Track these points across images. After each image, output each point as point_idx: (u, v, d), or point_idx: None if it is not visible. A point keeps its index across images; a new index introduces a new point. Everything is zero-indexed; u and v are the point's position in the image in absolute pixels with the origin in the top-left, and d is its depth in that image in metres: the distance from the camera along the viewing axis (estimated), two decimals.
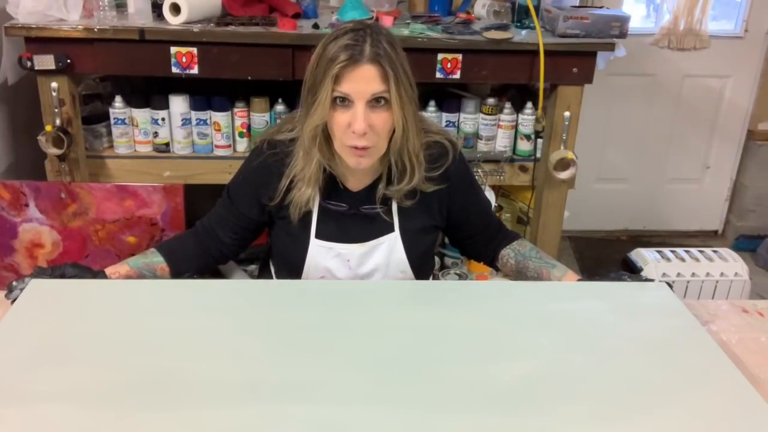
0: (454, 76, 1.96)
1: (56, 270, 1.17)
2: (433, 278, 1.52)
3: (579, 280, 1.28)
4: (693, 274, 2.07)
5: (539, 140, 2.13)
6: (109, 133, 2.05)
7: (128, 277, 1.22)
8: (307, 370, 0.95)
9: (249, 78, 1.92)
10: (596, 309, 1.14)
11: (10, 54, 1.86)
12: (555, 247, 2.23)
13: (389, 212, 1.30)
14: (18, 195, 1.72)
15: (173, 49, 1.85)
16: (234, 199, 1.32)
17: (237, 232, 1.33)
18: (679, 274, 2.06)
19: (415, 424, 0.86)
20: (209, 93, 2.02)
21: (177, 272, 1.28)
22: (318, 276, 1.31)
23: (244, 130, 2.06)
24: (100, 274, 1.19)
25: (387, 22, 1.97)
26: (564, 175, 2.06)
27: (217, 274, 1.74)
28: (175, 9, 1.84)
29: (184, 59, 1.86)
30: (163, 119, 2.02)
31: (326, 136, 1.20)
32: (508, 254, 1.37)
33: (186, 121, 2.03)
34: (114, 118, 2.01)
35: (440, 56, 1.93)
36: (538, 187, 2.18)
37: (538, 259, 1.34)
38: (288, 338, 1.03)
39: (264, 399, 0.89)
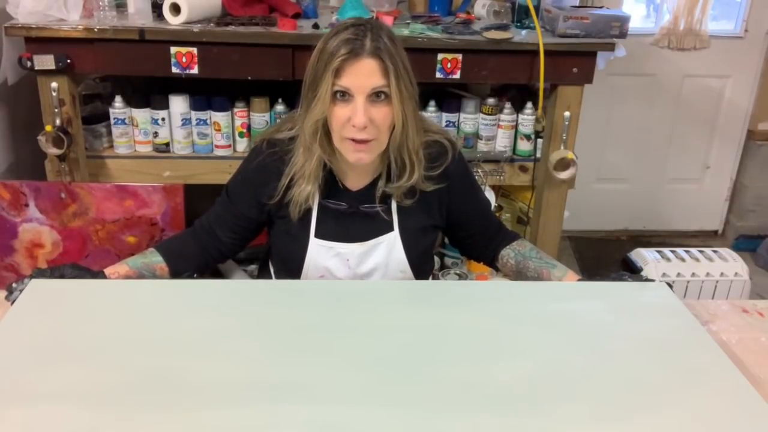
0: (454, 76, 1.96)
1: (55, 271, 1.17)
2: (433, 278, 1.52)
3: (579, 280, 1.28)
4: (693, 274, 2.07)
5: (539, 140, 2.13)
6: (109, 133, 2.05)
7: (128, 277, 1.22)
8: (306, 370, 0.95)
9: (249, 78, 1.92)
10: (596, 309, 1.14)
11: (10, 54, 1.86)
12: (555, 247, 2.23)
13: (389, 211, 1.30)
14: (18, 195, 1.72)
15: (173, 49, 1.85)
16: (233, 198, 1.32)
17: (236, 231, 1.33)
18: (679, 274, 2.06)
19: (415, 424, 0.86)
20: (209, 93, 2.02)
21: (176, 272, 1.28)
22: (317, 275, 1.31)
23: (244, 130, 2.06)
24: (99, 275, 1.19)
25: (387, 22, 1.96)
26: (564, 175, 2.06)
27: (217, 274, 1.74)
28: (175, 9, 1.85)
29: (184, 59, 1.86)
30: (163, 119, 2.02)
31: (327, 132, 1.20)
32: (508, 254, 1.37)
33: (186, 121, 2.03)
34: (114, 118, 2.01)
35: (440, 56, 1.93)
36: (538, 187, 2.18)
37: (538, 259, 1.33)
38: (288, 338, 1.03)
39: (264, 399, 0.89)
